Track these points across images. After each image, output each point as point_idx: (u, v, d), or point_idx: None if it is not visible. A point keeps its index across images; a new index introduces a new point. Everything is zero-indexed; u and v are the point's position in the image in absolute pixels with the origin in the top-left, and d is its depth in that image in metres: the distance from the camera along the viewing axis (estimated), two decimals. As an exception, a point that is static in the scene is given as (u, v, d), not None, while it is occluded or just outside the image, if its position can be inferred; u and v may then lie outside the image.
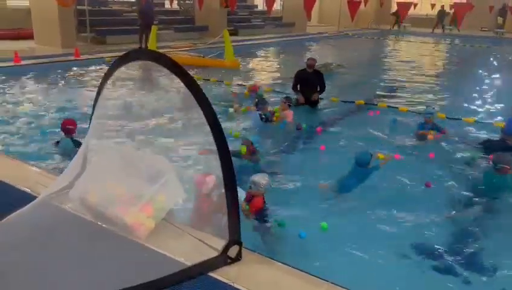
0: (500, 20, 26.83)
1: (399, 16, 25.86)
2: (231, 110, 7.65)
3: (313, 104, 8.52)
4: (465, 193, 5.15)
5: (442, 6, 27.56)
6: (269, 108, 7.28)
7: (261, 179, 4.03)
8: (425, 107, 7.75)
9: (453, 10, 25.64)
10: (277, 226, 4.08)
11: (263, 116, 7.09)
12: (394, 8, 28.52)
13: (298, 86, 8.64)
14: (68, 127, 5.56)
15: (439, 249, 4.01)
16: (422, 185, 5.20)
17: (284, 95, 7.91)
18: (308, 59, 8.81)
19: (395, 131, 7.24)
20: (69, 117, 6.30)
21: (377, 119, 7.91)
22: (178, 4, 21.75)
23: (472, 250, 4.05)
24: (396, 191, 5.09)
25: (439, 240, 4.16)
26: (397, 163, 5.57)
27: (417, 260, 3.87)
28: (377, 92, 10.57)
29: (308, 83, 8.50)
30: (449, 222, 4.54)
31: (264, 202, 4.09)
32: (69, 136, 5.51)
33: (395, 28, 27.70)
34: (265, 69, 13.82)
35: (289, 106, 7.39)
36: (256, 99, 7.61)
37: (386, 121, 7.74)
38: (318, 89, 8.54)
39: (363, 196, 4.86)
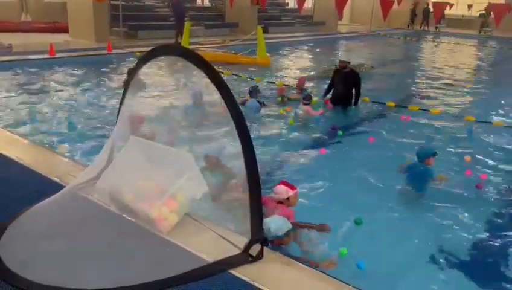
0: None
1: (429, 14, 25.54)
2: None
3: (346, 105, 8.28)
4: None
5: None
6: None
7: (282, 189, 3.83)
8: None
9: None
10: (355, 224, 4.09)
11: (260, 102, 7.67)
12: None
13: (332, 87, 8.44)
14: None
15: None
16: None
17: (305, 94, 7.91)
18: (339, 61, 8.57)
19: (473, 144, 6.76)
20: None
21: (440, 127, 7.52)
22: (209, 1, 21.92)
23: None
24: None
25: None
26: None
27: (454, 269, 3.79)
28: (409, 94, 10.39)
29: (342, 82, 8.23)
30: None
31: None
32: None
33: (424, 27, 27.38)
34: (295, 67, 13.74)
35: (307, 103, 7.49)
36: (250, 89, 7.83)
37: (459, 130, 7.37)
38: (353, 91, 8.28)
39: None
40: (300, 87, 8.92)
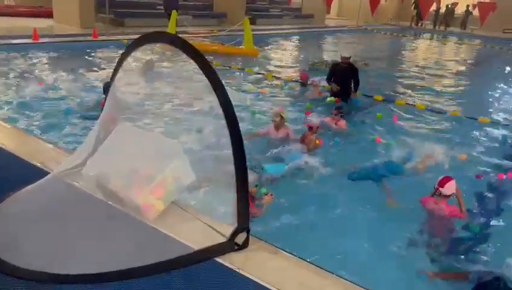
0: None
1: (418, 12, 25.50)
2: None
3: (346, 98, 8.52)
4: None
5: None
6: None
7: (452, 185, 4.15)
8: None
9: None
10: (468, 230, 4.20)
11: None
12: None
13: (332, 78, 8.68)
14: None
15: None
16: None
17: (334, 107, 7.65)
18: (341, 57, 8.67)
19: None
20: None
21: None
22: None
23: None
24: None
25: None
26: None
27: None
28: (398, 89, 10.55)
29: (342, 77, 8.53)
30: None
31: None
32: None
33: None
34: (283, 59, 13.76)
35: (342, 116, 7.01)
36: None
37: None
38: (352, 84, 8.58)
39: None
40: (304, 83, 9.15)
